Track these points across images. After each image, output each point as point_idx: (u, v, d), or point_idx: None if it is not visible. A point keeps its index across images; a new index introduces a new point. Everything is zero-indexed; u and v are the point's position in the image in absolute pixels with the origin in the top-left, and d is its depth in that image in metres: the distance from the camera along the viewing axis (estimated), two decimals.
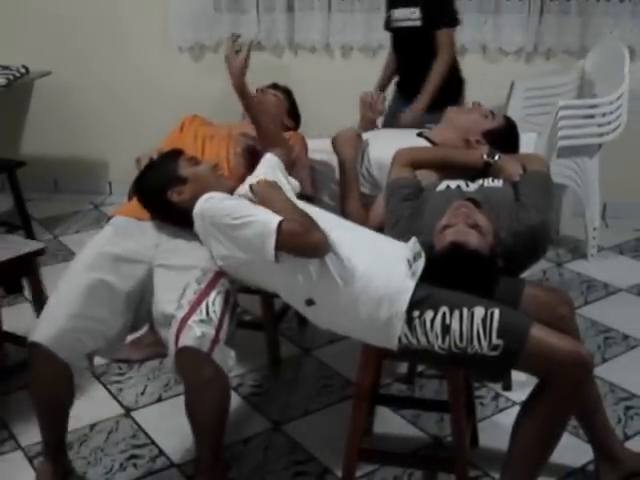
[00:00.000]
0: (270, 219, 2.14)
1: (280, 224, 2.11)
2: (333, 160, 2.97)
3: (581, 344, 2.09)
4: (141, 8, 4.63)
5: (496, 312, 2.02)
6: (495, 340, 2.00)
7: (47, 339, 2.23)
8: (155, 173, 2.46)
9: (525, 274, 2.54)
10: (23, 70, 4.29)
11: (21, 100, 4.92)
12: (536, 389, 2.09)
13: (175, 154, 2.50)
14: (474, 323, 2.02)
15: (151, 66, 4.70)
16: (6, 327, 3.34)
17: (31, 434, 2.46)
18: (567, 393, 2.02)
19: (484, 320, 2.01)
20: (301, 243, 2.11)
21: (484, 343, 2.01)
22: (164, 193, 2.39)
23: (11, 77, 4.16)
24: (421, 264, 2.15)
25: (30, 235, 4.28)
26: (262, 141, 2.72)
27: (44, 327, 2.27)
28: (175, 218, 2.41)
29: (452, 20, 3.57)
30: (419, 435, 2.69)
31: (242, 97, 2.68)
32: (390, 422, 2.74)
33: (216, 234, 2.23)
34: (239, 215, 2.17)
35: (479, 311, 2.02)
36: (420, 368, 2.98)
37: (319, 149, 2.99)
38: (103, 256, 2.38)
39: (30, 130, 5.04)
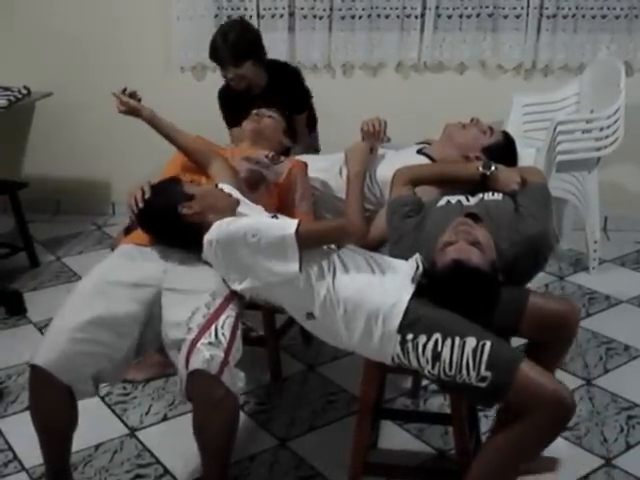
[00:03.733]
0: (286, 222, 2.21)
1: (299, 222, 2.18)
2: (330, 179, 3.00)
3: (566, 387, 2.05)
4: (143, 29, 4.66)
5: (487, 344, 2.02)
6: (483, 372, 2.01)
7: (48, 362, 2.22)
8: (162, 195, 2.45)
9: (528, 286, 2.56)
10: (25, 91, 4.30)
11: (23, 121, 4.94)
12: (510, 418, 2.08)
13: (175, 179, 2.54)
14: (465, 353, 2.02)
15: (153, 86, 4.67)
16: (8, 350, 3.35)
17: (35, 455, 2.42)
18: (541, 431, 2.02)
19: (475, 351, 2.02)
20: (325, 229, 2.24)
21: (472, 374, 2.02)
22: (174, 209, 2.38)
23: (12, 98, 4.17)
24: (419, 279, 2.19)
25: (32, 256, 4.30)
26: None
27: (46, 350, 2.25)
28: (185, 236, 2.40)
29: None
30: (424, 448, 2.70)
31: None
32: (395, 436, 2.75)
33: (232, 256, 2.24)
34: (256, 228, 2.20)
35: (471, 341, 2.03)
36: (425, 382, 2.99)
37: (315, 168, 3.02)
38: (109, 283, 2.37)
39: (32, 151, 5.05)
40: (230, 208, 2.40)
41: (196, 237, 2.34)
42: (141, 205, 2.42)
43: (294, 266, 2.15)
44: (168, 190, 2.46)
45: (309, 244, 2.19)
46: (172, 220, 2.38)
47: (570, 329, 2.31)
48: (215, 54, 3.52)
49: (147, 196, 2.42)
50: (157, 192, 2.47)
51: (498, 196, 2.50)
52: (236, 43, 3.47)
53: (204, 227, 2.32)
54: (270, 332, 3.07)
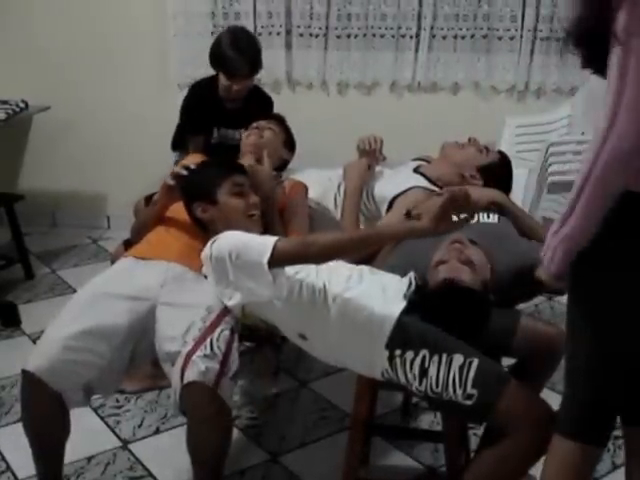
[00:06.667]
0: (266, 239, 2.18)
1: (276, 242, 2.13)
2: (329, 195, 3.03)
3: (552, 409, 2.03)
4: (140, 45, 4.69)
5: (475, 362, 2.03)
6: (470, 390, 2.01)
7: (39, 368, 2.23)
8: (199, 177, 2.58)
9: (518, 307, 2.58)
10: (22, 105, 4.33)
11: (20, 134, 4.96)
12: (494, 436, 2.08)
13: (232, 169, 2.59)
14: (451, 370, 2.03)
15: (150, 102, 4.76)
16: (2, 361, 3.36)
17: (28, 467, 2.45)
18: (525, 452, 2.00)
19: (462, 368, 2.02)
20: (295, 248, 2.15)
21: (459, 391, 2.02)
22: (191, 202, 2.52)
23: (10, 112, 4.19)
24: (412, 297, 2.21)
25: (28, 269, 4.31)
26: None
27: (38, 357, 2.27)
28: (191, 217, 2.56)
29: None
30: (414, 465, 2.71)
31: None
32: (385, 453, 2.76)
33: (222, 272, 2.24)
34: (239, 249, 2.20)
35: (458, 358, 2.04)
36: (415, 399, 3.01)
37: (314, 183, 3.04)
38: (105, 294, 2.39)
39: (29, 164, 5.07)
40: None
41: (199, 225, 2.49)
42: (193, 166, 2.64)
43: (271, 290, 2.15)
44: (205, 179, 2.56)
45: (285, 265, 2.16)
46: (185, 203, 2.56)
47: (557, 353, 2.34)
48: (229, 64, 3.43)
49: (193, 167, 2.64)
50: (201, 172, 2.61)
51: (493, 219, 2.52)
52: (253, 54, 3.45)
53: (210, 230, 2.41)
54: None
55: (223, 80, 3.48)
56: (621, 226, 1.63)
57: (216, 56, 3.50)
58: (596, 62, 1.64)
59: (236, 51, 3.42)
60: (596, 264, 1.68)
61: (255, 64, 3.47)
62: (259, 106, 3.53)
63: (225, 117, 3.48)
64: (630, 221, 1.64)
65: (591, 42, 1.63)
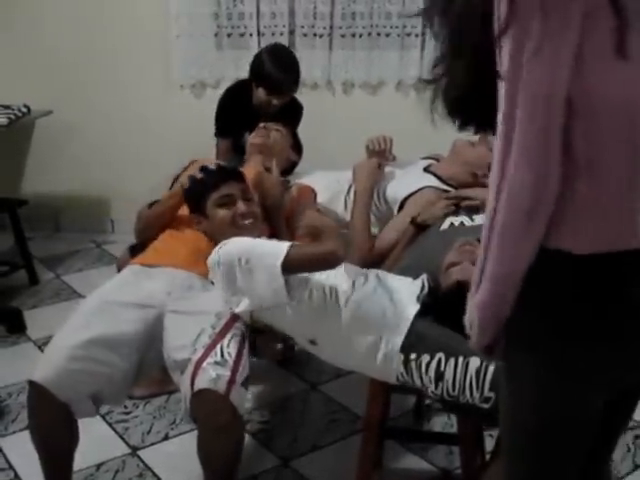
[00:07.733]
0: (279, 244, 2.18)
1: (290, 247, 2.14)
2: (337, 197, 3.00)
3: None
4: (143, 47, 4.66)
5: (491, 365, 1.99)
6: (487, 392, 1.98)
7: (46, 379, 2.21)
8: (193, 190, 2.60)
9: None
10: (25, 109, 4.30)
11: (23, 139, 4.94)
12: None
13: (221, 180, 2.57)
14: (468, 373, 2.00)
15: (153, 103, 4.74)
16: (8, 367, 3.33)
17: (36, 474, 2.40)
18: None
19: (478, 371, 1.99)
20: (316, 254, 2.17)
21: (476, 394, 1.99)
22: (191, 213, 2.56)
23: (13, 116, 4.17)
24: (425, 299, 2.18)
25: (32, 274, 4.29)
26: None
27: (44, 367, 2.25)
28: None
29: None
30: (428, 468, 2.68)
31: None
32: (399, 455, 2.73)
33: (230, 278, 2.22)
34: (249, 254, 2.19)
35: (475, 361, 2.00)
36: (428, 401, 2.98)
37: (322, 187, 3.02)
38: (112, 302, 2.37)
39: (32, 169, 5.05)
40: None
41: None
42: (199, 176, 2.62)
43: (282, 295, 2.14)
44: (199, 191, 2.57)
45: (299, 271, 2.16)
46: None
47: None
48: (276, 84, 3.46)
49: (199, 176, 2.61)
50: (199, 182, 2.60)
51: None
52: (297, 71, 3.52)
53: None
54: None
55: (262, 94, 3.48)
56: (543, 291, 1.33)
57: (260, 75, 3.51)
58: (479, 117, 1.34)
59: (281, 71, 3.46)
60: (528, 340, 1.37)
61: (298, 80, 3.54)
62: (290, 113, 3.57)
63: (256, 122, 3.47)
64: (551, 286, 1.33)
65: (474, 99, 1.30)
